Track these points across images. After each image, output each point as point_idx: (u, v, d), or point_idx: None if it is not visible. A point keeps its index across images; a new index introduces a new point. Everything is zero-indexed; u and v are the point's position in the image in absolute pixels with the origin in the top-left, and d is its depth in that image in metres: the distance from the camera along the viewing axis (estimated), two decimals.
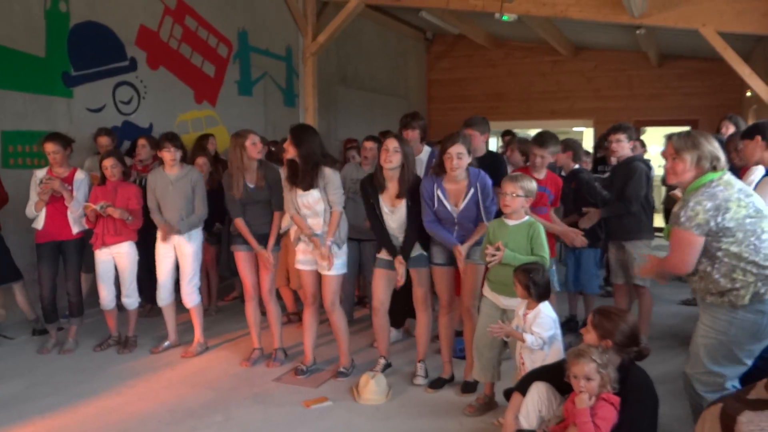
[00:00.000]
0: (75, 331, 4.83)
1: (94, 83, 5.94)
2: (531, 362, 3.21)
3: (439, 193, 3.74)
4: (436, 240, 3.87)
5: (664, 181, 6.90)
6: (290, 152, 3.93)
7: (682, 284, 6.27)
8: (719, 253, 2.63)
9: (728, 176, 2.70)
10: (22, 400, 3.86)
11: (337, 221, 3.98)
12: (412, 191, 3.83)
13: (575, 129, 12.42)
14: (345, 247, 4.11)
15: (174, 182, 4.51)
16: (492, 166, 4.15)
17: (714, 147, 2.70)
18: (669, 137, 2.80)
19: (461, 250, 3.69)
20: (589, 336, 2.83)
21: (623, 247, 4.59)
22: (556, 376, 2.88)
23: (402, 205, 3.86)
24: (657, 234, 5.07)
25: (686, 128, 3.08)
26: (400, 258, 3.87)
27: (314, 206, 3.99)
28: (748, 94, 8.38)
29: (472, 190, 3.70)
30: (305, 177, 3.92)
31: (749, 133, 3.57)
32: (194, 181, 4.56)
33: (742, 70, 6.37)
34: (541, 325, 3.17)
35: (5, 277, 4.88)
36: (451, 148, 3.64)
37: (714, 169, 2.68)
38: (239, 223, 4.28)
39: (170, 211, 4.54)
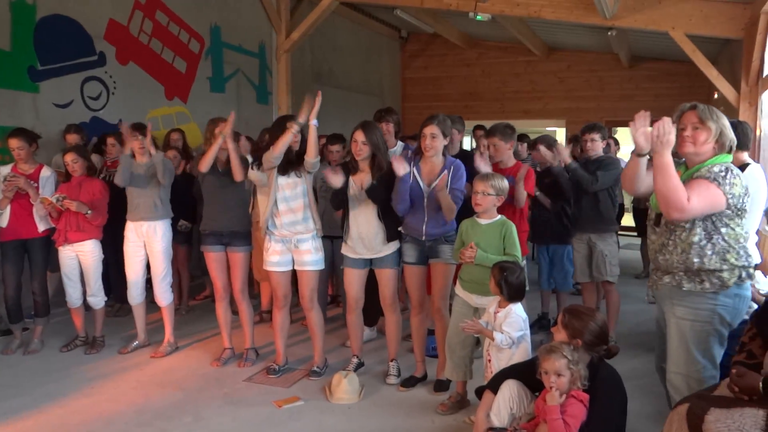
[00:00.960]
0: (40, 331, 4.72)
1: (61, 78, 5.81)
2: (497, 360, 3.23)
3: (414, 170, 3.77)
4: (406, 239, 3.87)
5: None
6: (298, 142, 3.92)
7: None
8: (724, 230, 2.57)
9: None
10: None
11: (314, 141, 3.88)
12: (382, 177, 3.81)
13: (548, 129, 12.54)
14: (321, 243, 4.09)
15: (144, 168, 4.47)
16: (465, 164, 4.16)
17: (731, 128, 2.66)
18: (692, 106, 2.65)
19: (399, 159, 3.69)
20: (560, 335, 2.85)
21: (592, 242, 4.63)
22: (527, 374, 2.90)
23: (368, 179, 3.83)
24: (623, 233, 5.17)
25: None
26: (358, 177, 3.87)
27: (294, 187, 3.96)
28: (716, 96, 8.55)
29: (445, 172, 3.72)
30: (298, 163, 3.94)
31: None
32: (162, 162, 4.47)
33: (709, 73, 6.50)
34: (511, 325, 3.19)
35: None
36: (425, 128, 3.70)
37: (729, 150, 2.64)
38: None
39: (140, 197, 4.48)
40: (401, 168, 3.66)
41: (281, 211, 3.98)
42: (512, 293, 3.22)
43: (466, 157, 4.54)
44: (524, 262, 4.36)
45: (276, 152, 3.85)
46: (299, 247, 4.02)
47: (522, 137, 6.51)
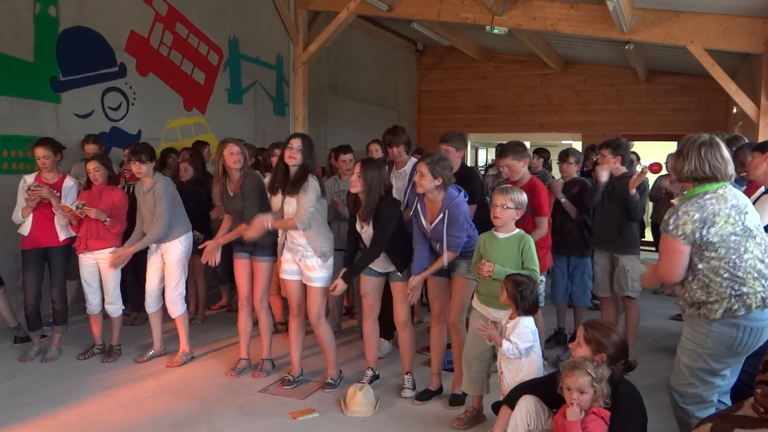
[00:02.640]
0: (58, 339, 4.76)
1: (82, 89, 5.90)
2: (508, 371, 3.21)
3: (419, 206, 3.79)
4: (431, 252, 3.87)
5: (651, 196, 6.95)
6: (297, 159, 3.94)
7: (670, 298, 6.32)
8: (700, 265, 2.64)
9: (725, 190, 2.66)
10: (1, 408, 3.78)
11: (287, 224, 3.95)
12: (376, 215, 3.83)
13: (564, 142, 12.50)
14: (331, 260, 4.09)
15: (145, 193, 4.51)
16: (464, 180, 4.13)
17: (715, 158, 2.66)
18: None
19: (411, 283, 3.80)
20: (581, 350, 2.82)
21: (615, 259, 4.59)
22: (545, 389, 2.88)
23: (368, 229, 3.89)
24: (643, 248, 5.11)
25: (673, 143, 3.09)
26: (342, 270, 3.94)
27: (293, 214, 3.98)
28: (735, 110, 8.49)
29: (441, 215, 3.69)
30: (294, 183, 3.94)
31: (762, 147, 3.58)
32: (156, 193, 4.46)
33: (728, 87, 6.45)
34: (519, 336, 3.16)
35: None
36: (419, 166, 3.71)
37: (715, 179, 2.66)
38: (226, 218, 4.40)
39: (146, 221, 4.52)
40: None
41: (287, 232, 4.04)
42: (527, 307, 3.20)
43: (467, 173, 4.51)
44: (543, 277, 4.35)
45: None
46: (306, 262, 4.03)
47: (540, 151, 6.49)
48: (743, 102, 6.38)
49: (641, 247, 4.88)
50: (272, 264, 4.39)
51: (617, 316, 4.89)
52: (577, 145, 11.72)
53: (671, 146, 7.96)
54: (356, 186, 3.82)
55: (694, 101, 10.24)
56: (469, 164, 6.41)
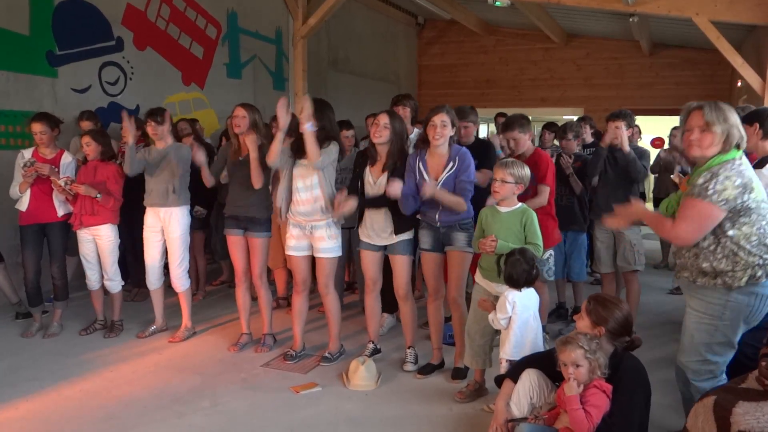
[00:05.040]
0: (60, 314, 4.76)
1: (79, 63, 5.82)
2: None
3: (421, 165, 3.74)
4: (423, 225, 3.84)
5: (653, 169, 6.90)
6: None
7: (670, 272, 6.31)
8: (730, 232, 2.54)
9: (745, 158, 2.63)
10: (4, 383, 3.79)
11: (312, 150, 3.80)
12: (398, 167, 3.81)
13: (565, 117, 12.40)
14: (339, 230, 4.07)
15: (162, 155, 4.46)
16: (481, 152, 4.13)
17: (740, 124, 2.61)
18: (698, 107, 2.63)
19: (430, 185, 3.63)
20: (582, 323, 2.81)
21: (619, 233, 4.55)
22: (548, 363, 2.86)
23: (384, 177, 3.83)
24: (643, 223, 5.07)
25: (676, 118, 2.99)
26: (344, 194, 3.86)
27: (306, 177, 3.93)
28: (739, 84, 8.39)
29: (451, 164, 3.68)
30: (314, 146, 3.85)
31: (748, 119, 3.52)
32: (180, 153, 4.49)
33: (734, 60, 6.36)
34: (499, 307, 3.20)
35: None
36: (435, 117, 3.67)
37: (738, 147, 2.60)
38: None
39: (157, 183, 4.47)
40: (395, 190, 3.63)
41: (295, 199, 3.99)
42: (508, 279, 3.20)
43: (483, 146, 4.50)
44: (551, 252, 4.32)
45: (272, 159, 3.91)
46: (314, 233, 4.01)
47: (550, 125, 6.42)
48: (749, 75, 6.30)
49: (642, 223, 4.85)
50: (268, 239, 4.37)
51: (618, 291, 4.88)
52: None
53: (674, 120, 7.88)
54: (382, 136, 3.79)
55: (697, 75, 10.13)
56: None
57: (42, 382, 3.80)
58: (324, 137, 3.90)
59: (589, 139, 5.77)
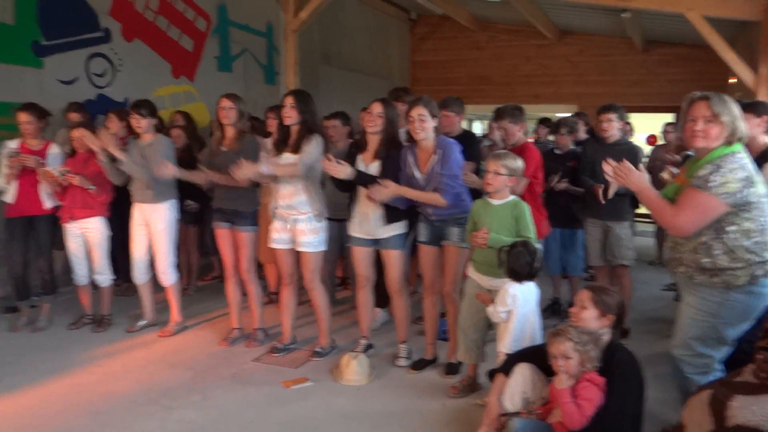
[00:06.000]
0: (47, 309, 4.69)
1: (65, 54, 5.71)
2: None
3: (409, 157, 3.71)
4: (420, 218, 3.80)
5: (648, 167, 6.87)
6: (292, 117, 3.85)
7: (664, 269, 6.30)
8: (730, 228, 2.50)
9: (746, 151, 2.59)
10: None
11: (289, 170, 3.83)
12: (389, 155, 3.76)
13: (558, 115, 12.40)
14: (324, 224, 4.02)
15: (144, 147, 4.38)
16: (465, 144, 4.08)
17: (741, 117, 2.57)
18: (703, 97, 2.57)
19: (386, 184, 3.60)
20: (588, 312, 2.77)
21: (609, 228, 4.54)
22: (541, 358, 2.83)
23: (376, 164, 3.79)
24: (637, 219, 5.07)
25: (668, 115, 2.94)
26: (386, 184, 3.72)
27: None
28: (732, 81, 8.40)
29: (435, 156, 3.64)
30: (297, 141, 3.86)
31: (755, 110, 3.47)
32: (164, 150, 4.39)
33: (727, 56, 6.35)
34: (500, 299, 3.17)
35: None
36: (412, 111, 3.62)
37: (740, 139, 2.56)
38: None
39: (137, 180, 4.40)
40: (381, 195, 3.62)
41: (278, 193, 3.96)
42: (508, 272, 3.16)
43: (469, 137, 4.46)
44: (539, 245, 4.30)
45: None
46: (296, 227, 3.96)
47: (545, 120, 6.41)
48: (741, 71, 6.29)
49: (635, 219, 4.84)
50: (255, 233, 4.32)
51: (611, 285, 4.87)
52: None
53: (666, 117, 7.87)
54: (376, 125, 3.75)
55: (690, 72, 10.12)
56: None
57: (29, 377, 3.74)
58: (306, 130, 3.87)
59: (583, 135, 5.75)
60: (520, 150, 4.14)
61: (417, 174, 3.67)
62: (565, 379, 2.63)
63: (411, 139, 3.76)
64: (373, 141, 3.83)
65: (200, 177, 4.23)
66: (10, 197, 4.46)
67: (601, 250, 4.62)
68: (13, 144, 4.46)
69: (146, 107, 4.37)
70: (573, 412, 2.58)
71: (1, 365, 3.94)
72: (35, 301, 4.80)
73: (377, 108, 3.77)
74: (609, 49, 10.69)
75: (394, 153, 3.78)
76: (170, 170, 4.20)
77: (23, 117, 4.40)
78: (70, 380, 3.73)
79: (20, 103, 4.67)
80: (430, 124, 3.63)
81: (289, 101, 3.88)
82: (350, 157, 3.94)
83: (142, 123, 4.33)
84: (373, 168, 3.79)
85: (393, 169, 3.75)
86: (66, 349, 4.23)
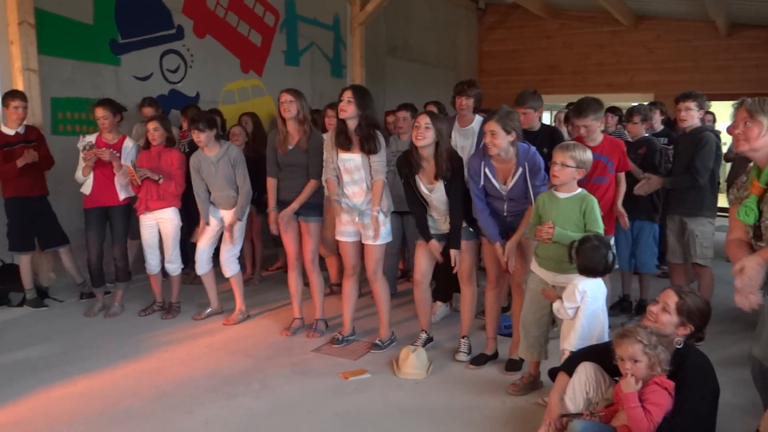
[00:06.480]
0: (121, 295, 4.90)
1: (141, 51, 5.95)
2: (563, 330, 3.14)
3: (487, 170, 3.58)
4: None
5: (727, 157, 6.49)
6: (348, 111, 3.83)
7: None
8: None
9: None
10: (65, 360, 3.93)
11: (380, 191, 3.88)
12: (451, 171, 3.68)
13: (633, 104, 11.89)
14: (388, 218, 4.00)
15: (215, 162, 4.45)
16: (549, 140, 3.96)
17: None
18: (741, 102, 2.50)
19: (502, 246, 3.60)
20: (667, 317, 2.61)
21: (684, 223, 4.30)
22: (606, 357, 2.70)
23: (440, 185, 3.72)
24: (720, 214, 4.77)
25: None
26: (434, 242, 3.79)
27: (354, 172, 3.89)
28: None
29: (520, 170, 3.51)
30: (363, 140, 3.84)
31: None
32: (234, 159, 4.46)
33: None
34: (567, 296, 3.03)
35: (52, 241, 5.00)
36: (485, 125, 3.49)
37: None
38: (270, 182, 4.27)
39: (217, 190, 4.51)
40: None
41: (345, 190, 3.97)
42: (579, 267, 3.02)
43: (551, 132, 4.31)
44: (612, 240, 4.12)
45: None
46: (362, 221, 3.95)
47: (613, 109, 6.14)
48: None
49: (718, 214, 4.54)
50: (320, 224, 4.34)
51: (687, 284, 4.60)
52: None
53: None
54: (424, 138, 3.61)
55: None
56: None
57: (101, 360, 3.92)
58: (366, 126, 3.84)
59: (659, 126, 5.47)
60: (606, 146, 4.03)
61: (498, 186, 3.56)
62: (633, 383, 2.50)
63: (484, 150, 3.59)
64: (428, 158, 3.69)
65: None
66: (87, 189, 4.68)
67: (679, 247, 4.38)
68: (90, 138, 4.68)
69: (204, 120, 4.36)
70: (640, 417, 2.45)
71: (77, 348, 4.14)
72: (110, 287, 5.04)
73: (424, 120, 3.63)
74: (689, 34, 10.12)
75: (460, 170, 3.70)
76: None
77: (99, 112, 4.60)
78: (138, 364, 3.88)
79: (99, 99, 4.89)
80: (504, 140, 3.43)
81: (347, 95, 3.86)
82: (402, 176, 3.85)
83: (201, 138, 4.35)
84: (439, 188, 3.71)
85: (462, 186, 3.70)
86: (137, 335, 4.40)
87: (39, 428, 3.06)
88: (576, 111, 4.09)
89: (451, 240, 3.76)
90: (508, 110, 3.52)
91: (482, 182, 3.58)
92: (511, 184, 3.53)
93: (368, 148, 3.84)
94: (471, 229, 3.79)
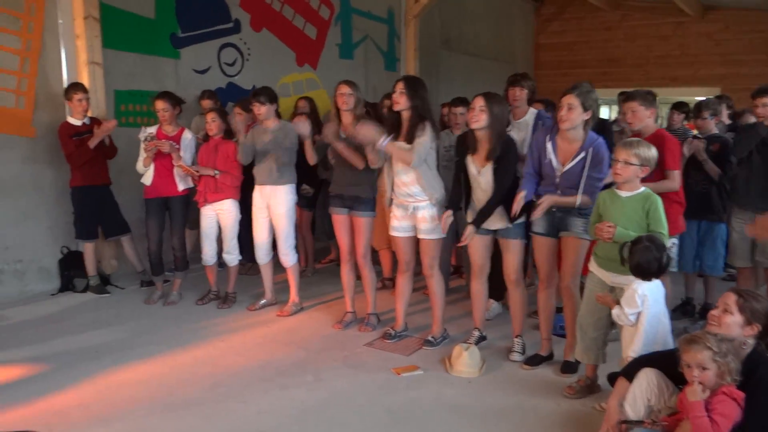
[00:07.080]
0: (179, 284, 5.02)
1: (200, 45, 6.07)
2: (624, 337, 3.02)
3: (549, 145, 3.49)
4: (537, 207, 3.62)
5: None
6: (401, 103, 3.82)
7: None
8: None
9: None
10: (125, 346, 4.05)
11: (402, 156, 3.80)
12: (501, 154, 3.61)
13: (698, 98, 11.42)
14: (443, 212, 3.95)
15: (272, 131, 4.52)
16: (599, 130, 3.81)
17: None
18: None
19: (547, 199, 3.46)
20: (731, 318, 2.51)
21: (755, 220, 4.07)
22: (669, 363, 2.59)
23: (489, 167, 3.65)
24: None
25: None
26: (449, 212, 3.77)
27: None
28: None
29: (582, 154, 3.41)
30: (410, 129, 3.81)
31: None
32: (289, 133, 4.51)
33: None
34: (626, 300, 2.91)
35: (115, 230, 5.17)
36: (563, 98, 3.40)
37: None
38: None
39: (262, 161, 4.55)
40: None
41: (397, 181, 3.94)
42: (634, 269, 2.90)
43: (600, 124, 4.16)
44: (675, 240, 3.96)
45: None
46: (416, 214, 3.93)
47: (680, 105, 5.90)
48: None
49: None
50: (372, 219, 4.33)
51: (756, 288, 4.38)
52: None
53: None
54: (479, 121, 3.59)
55: None
56: None
57: (159, 347, 4.02)
58: (417, 117, 3.80)
59: (726, 120, 5.22)
60: (654, 138, 3.81)
61: (555, 164, 3.48)
62: (700, 391, 2.39)
63: (554, 124, 3.55)
64: (483, 140, 3.66)
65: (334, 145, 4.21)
66: (147, 179, 4.80)
67: (748, 249, 4.17)
68: (151, 129, 4.80)
69: (265, 94, 4.48)
70: (706, 427, 2.34)
71: (137, 334, 4.27)
72: (169, 276, 5.17)
73: (479, 102, 3.59)
74: (761, 25, 9.65)
75: (511, 155, 3.63)
76: (305, 127, 4.33)
77: (159, 104, 4.71)
78: (195, 352, 3.96)
79: (159, 91, 5.01)
80: (580, 116, 3.36)
81: (400, 87, 3.83)
82: (459, 154, 3.83)
83: (262, 110, 4.46)
84: (487, 171, 3.66)
85: (511, 172, 3.64)
86: (194, 323, 4.50)
87: (99, 413, 3.16)
88: (625, 96, 3.99)
89: (477, 215, 3.70)
90: (589, 88, 3.43)
91: (542, 157, 3.51)
92: (568, 165, 3.43)
93: (406, 138, 3.81)
94: (518, 228, 3.71)
